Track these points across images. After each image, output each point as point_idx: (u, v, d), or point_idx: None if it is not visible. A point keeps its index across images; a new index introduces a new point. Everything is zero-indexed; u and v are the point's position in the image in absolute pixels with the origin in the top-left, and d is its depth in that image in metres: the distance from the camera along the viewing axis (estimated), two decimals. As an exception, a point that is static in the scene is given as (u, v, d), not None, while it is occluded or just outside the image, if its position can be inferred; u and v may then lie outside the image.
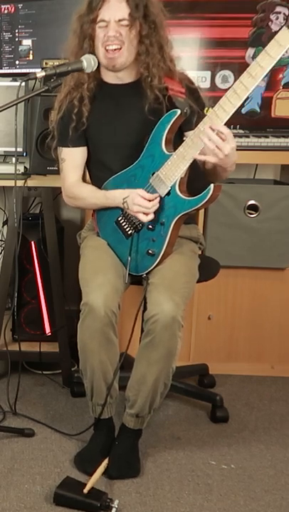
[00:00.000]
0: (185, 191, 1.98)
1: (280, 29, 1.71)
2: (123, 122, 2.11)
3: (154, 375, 1.99)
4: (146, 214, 1.99)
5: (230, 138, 1.83)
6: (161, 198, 2.00)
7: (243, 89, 1.77)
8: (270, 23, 2.68)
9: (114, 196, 2.10)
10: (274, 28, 2.68)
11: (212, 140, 1.82)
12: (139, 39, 2.00)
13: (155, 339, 1.94)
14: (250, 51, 2.72)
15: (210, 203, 1.94)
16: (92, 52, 2.02)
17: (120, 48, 1.98)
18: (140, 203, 1.99)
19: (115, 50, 1.98)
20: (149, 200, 1.99)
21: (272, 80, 2.75)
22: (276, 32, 1.72)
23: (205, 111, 2.11)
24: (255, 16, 2.69)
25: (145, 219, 2.00)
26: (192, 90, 2.08)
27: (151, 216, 2.00)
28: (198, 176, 2.00)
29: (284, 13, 2.67)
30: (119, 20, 1.96)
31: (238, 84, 1.78)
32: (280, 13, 2.67)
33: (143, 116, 2.05)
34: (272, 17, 2.67)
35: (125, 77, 2.09)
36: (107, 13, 1.96)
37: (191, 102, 2.03)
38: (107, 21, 1.96)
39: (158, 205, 1.99)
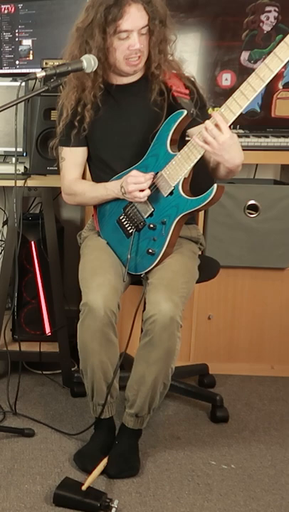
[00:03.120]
0: (188, 191, 1.99)
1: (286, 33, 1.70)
2: (124, 123, 2.11)
3: (152, 375, 1.99)
4: (142, 191, 1.99)
5: (226, 130, 1.82)
6: (163, 195, 2.01)
7: (250, 91, 1.77)
8: (261, 24, 2.68)
9: (113, 186, 2.10)
10: (266, 28, 2.67)
11: (207, 128, 1.83)
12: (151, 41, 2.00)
13: (154, 339, 1.94)
14: (245, 54, 2.72)
15: (212, 203, 1.95)
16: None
17: (140, 56, 1.99)
18: (133, 180, 1.99)
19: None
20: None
21: (272, 80, 2.75)
22: (269, 32, 1.72)
23: (208, 111, 2.12)
24: (245, 19, 2.69)
25: (142, 195, 1.99)
26: (195, 89, 2.08)
27: (147, 192, 1.99)
28: (202, 177, 2.01)
29: (274, 10, 2.67)
30: (142, 28, 1.94)
31: (245, 85, 1.78)
32: (270, 12, 2.67)
33: (145, 113, 2.05)
34: (263, 18, 2.67)
35: (131, 78, 2.09)
36: (130, 24, 1.92)
37: (194, 100, 2.04)
38: (129, 31, 1.93)
39: (151, 180, 1.99)
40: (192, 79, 2.12)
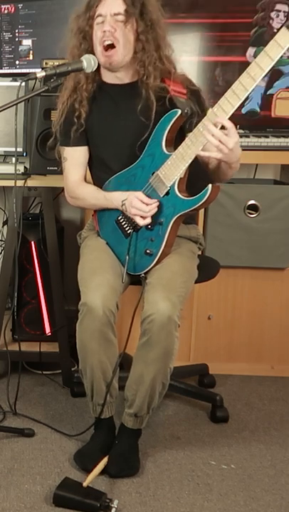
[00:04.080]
0: (184, 191, 1.98)
1: (279, 29, 1.70)
2: (122, 122, 2.11)
3: (151, 375, 1.99)
4: (144, 218, 2.00)
5: (232, 132, 1.82)
6: (159, 200, 2.01)
7: (241, 90, 1.76)
8: (271, 22, 2.68)
9: (113, 198, 2.11)
10: (275, 25, 2.67)
11: (215, 135, 1.82)
12: (136, 37, 2.01)
13: (152, 339, 1.94)
14: (251, 50, 2.72)
15: (208, 203, 1.94)
16: (91, 52, 2.03)
17: (115, 47, 1.99)
18: (138, 207, 2.00)
19: (111, 46, 1.99)
20: (148, 205, 2.00)
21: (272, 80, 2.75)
22: (278, 30, 1.70)
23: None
24: (255, 16, 2.69)
25: (142, 222, 2.01)
26: (193, 92, 2.07)
27: (148, 220, 2.01)
28: (198, 177, 2.00)
29: (284, 11, 2.67)
30: (115, 15, 1.98)
31: (237, 84, 1.77)
32: (280, 11, 2.67)
33: (143, 115, 2.05)
34: (273, 15, 2.67)
35: (124, 77, 2.10)
36: (104, 8, 1.99)
37: (192, 103, 2.03)
38: (103, 16, 1.98)
39: (156, 209, 2.00)
40: (191, 81, 2.10)
